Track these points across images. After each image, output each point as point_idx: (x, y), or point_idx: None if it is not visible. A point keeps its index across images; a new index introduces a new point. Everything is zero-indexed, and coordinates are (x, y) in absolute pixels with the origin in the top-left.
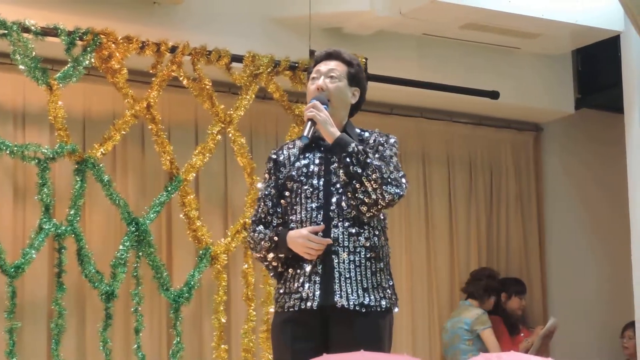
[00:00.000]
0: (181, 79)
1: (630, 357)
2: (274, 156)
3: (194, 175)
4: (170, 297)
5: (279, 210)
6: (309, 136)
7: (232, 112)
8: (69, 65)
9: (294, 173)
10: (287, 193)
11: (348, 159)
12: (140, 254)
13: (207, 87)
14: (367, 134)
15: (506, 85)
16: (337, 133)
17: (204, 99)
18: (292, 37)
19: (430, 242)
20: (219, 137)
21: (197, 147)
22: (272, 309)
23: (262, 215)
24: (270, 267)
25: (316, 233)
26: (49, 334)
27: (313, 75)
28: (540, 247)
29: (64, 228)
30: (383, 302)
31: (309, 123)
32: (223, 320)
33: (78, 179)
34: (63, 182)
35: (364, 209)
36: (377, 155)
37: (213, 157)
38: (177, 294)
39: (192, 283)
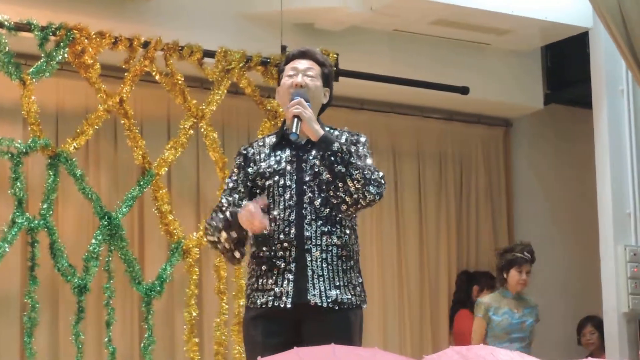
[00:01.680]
0: (154, 74)
1: (594, 351)
2: (244, 152)
3: (166, 169)
4: (142, 290)
5: (242, 204)
6: (298, 132)
7: (204, 107)
8: (42, 60)
9: (264, 170)
10: (257, 190)
11: (333, 158)
12: (113, 247)
13: (180, 82)
14: (337, 132)
15: (476, 81)
16: (322, 131)
17: (176, 94)
18: (264, 32)
19: (401, 236)
20: (191, 131)
21: (169, 141)
22: (243, 303)
23: (225, 207)
24: (225, 250)
25: (264, 210)
26: (21, 327)
27: (290, 72)
28: (509, 241)
29: (36, 222)
30: (354, 299)
31: (296, 120)
32: (194, 313)
33: (51, 174)
34: (36, 176)
35: (344, 207)
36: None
37: (185, 152)
38: (148, 287)
39: (164, 277)
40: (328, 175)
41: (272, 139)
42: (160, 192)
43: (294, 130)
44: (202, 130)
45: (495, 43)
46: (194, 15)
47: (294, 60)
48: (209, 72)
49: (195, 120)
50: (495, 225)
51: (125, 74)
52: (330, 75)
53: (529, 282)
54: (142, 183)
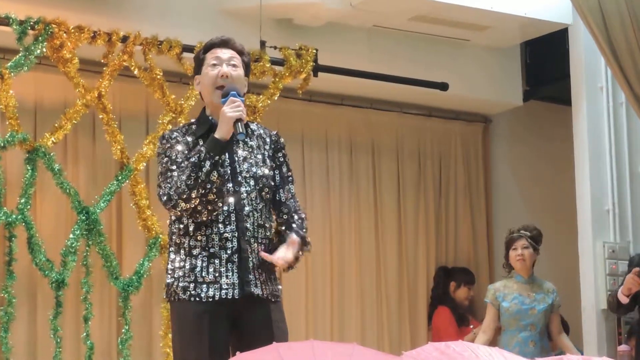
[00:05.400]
0: (132, 68)
1: None
2: (174, 136)
3: (145, 164)
4: (120, 285)
5: None
6: (244, 132)
7: (182, 102)
8: (20, 55)
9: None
10: None
11: None
12: (90, 242)
13: (158, 77)
14: (253, 126)
15: (455, 77)
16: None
17: (155, 88)
18: (243, 28)
19: (379, 232)
20: (170, 126)
21: (147, 136)
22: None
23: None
24: (208, 187)
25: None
26: None
27: (213, 62)
28: (488, 238)
29: (14, 216)
30: (280, 292)
31: (239, 123)
32: None
33: (29, 168)
34: (14, 170)
35: None
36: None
37: None
38: (126, 282)
39: (141, 272)
40: (265, 170)
41: (193, 128)
42: (139, 187)
43: (241, 130)
44: None
45: (475, 39)
46: (173, 10)
47: (214, 49)
48: (187, 66)
49: (174, 115)
50: (474, 221)
51: (104, 68)
52: (249, 63)
53: (530, 258)
54: (120, 178)
